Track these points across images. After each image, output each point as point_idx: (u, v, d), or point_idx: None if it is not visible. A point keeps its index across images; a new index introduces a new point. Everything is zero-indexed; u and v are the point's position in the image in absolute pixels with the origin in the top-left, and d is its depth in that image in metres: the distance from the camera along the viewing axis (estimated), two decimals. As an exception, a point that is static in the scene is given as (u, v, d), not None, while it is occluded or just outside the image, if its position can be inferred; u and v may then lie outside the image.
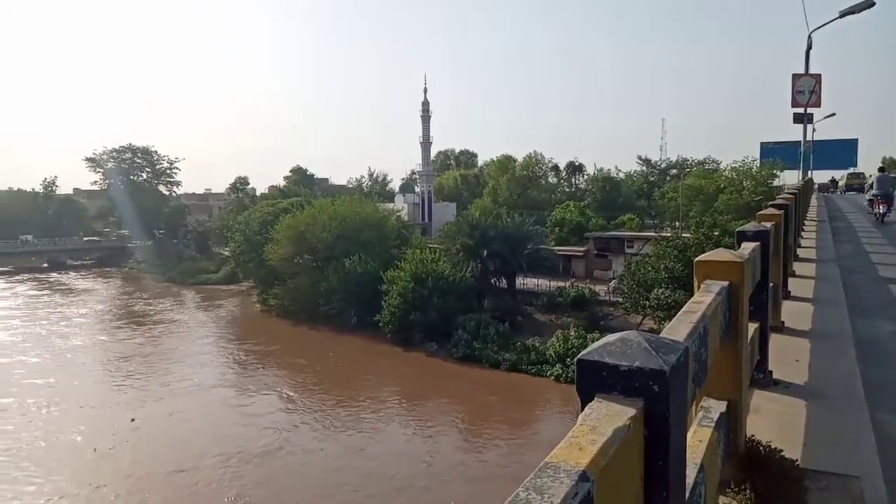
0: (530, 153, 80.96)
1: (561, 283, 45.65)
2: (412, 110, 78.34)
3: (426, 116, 76.36)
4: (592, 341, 22.97)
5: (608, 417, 1.47)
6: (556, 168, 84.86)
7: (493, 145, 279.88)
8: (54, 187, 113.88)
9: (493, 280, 46.40)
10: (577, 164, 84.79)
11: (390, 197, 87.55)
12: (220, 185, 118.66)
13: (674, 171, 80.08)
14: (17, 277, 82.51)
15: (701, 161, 78.29)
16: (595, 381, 1.61)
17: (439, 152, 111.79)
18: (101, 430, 27.70)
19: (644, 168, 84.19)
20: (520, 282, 47.25)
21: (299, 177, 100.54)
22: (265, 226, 58.58)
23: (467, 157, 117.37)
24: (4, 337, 46.64)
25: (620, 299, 40.19)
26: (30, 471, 23.87)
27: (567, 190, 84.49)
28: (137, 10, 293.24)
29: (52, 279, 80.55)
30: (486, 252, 45.02)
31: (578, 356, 1.66)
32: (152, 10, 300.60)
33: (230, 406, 31.50)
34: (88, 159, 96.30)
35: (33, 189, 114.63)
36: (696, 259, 3.40)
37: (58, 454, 25.38)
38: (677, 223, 57.66)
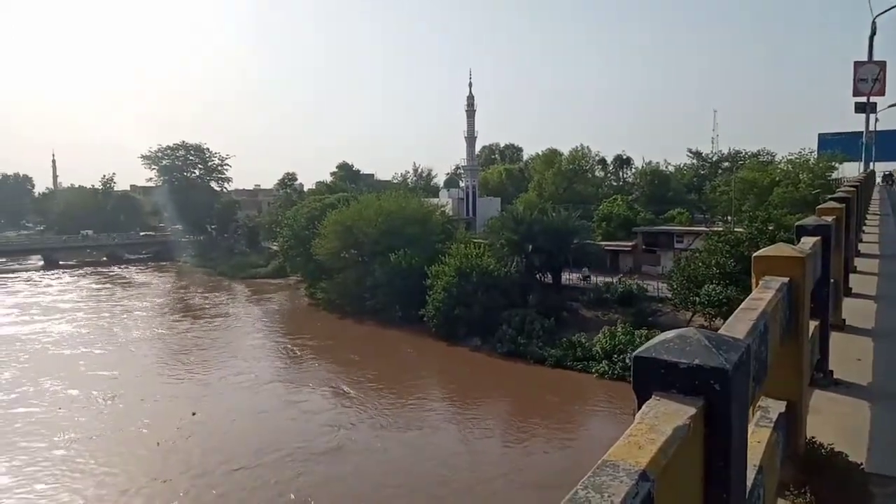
0: (576, 147, 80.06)
1: (608, 279, 44.99)
2: (457, 105, 78.28)
3: (471, 111, 76.19)
4: (640, 338, 22.92)
5: (667, 416, 1.44)
6: (602, 162, 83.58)
7: (538, 139, 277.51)
8: (112, 184, 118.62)
9: (538, 275, 46.04)
10: (624, 157, 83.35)
11: (435, 192, 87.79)
12: (269, 181, 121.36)
13: (726, 163, 77.91)
14: (80, 271, 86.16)
15: (755, 153, 75.95)
16: (652, 378, 1.57)
17: (484, 147, 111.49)
18: (163, 423, 28.09)
19: (694, 161, 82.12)
20: (565, 277, 46.76)
21: (345, 173, 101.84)
22: (312, 221, 59.54)
23: (512, 152, 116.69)
24: (71, 329, 48.54)
25: (669, 295, 39.36)
26: (100, 463, 24.33)
27: (614, 184, 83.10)
28: (186, 15, 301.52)
29: (112, 273, 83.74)
30: (531, 247, 44.68)
31: (635, 353, 1.63)
32: (200, 14, 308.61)
33: (288, 402, 31.48)
34: (144, 157, 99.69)
35: (93, 186, 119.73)
36: (755, 254, 3.30)
37: (124, 447, 25.91)
38: (729, 217, 56.08)
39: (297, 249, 62.19)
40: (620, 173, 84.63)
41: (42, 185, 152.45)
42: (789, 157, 51.22)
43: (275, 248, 75.65)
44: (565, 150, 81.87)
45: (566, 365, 35.77)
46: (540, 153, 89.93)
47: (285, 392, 33.15)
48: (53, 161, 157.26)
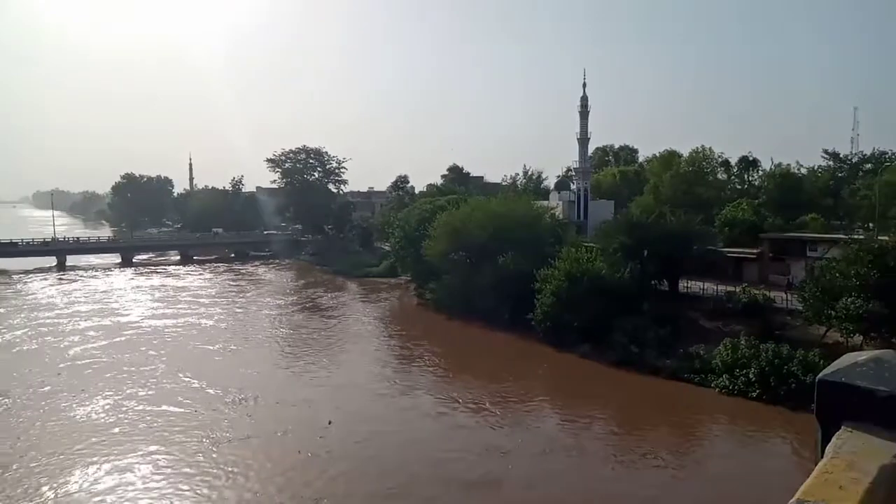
0: (697, 148, 76.18)
1: (730, 288, 42.35)
2: (570, 107, 76.63)
3: (584, 112, 74.47)
4: (766, 352, 21.26)
5: (868, 453, 1.23)
6: (726, 163, 78.95)
7: (655, 140, 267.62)
8: (240, 186, 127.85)
9: (653, 282, 44.21)
10: (750, 158, 78.20)
11: (545, 195, 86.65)
12: (382, 184, 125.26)
13: (868, 165, 71.23)
14: (211, 266, 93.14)
15: (903, 154, 68.95)
16: (842, 406, 1.37)
17: (597, 148, 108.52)
18: (302, 430, 27.51)
19: (831, 163, 75.69)
20: (683, 285, 44.57)
21: (455, 175, 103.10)
22: (423, 223, 60.66)
23: (627, 153, 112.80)
24: (209, 323, 51.89)
25: (801, 307, 36.44)
26: (243, 469, 23.62)
27: (739, 187, 78.24)
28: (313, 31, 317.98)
29: (241, 269, 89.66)
30: (646, 252, 42.99)
31: (819, 376, 1.43)
32: (325, 30, 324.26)
33: (426, 414, 30.13)
34: (269, 160, 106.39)
35: (224, 187, 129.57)
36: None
37: (265, 454, 25.15)
38: (871, 224, 51.18)
39: (408, 250, 63.71)
40: (746, 176, 79.50)
41: (180, 186, 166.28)
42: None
43: (386, 248, 77.95)
44: (685, 151, 78.27)
45: (682, 377, 34.12)
46: (657, 154, 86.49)
47: (421, 403, 31.93)
48: (190, 164, 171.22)
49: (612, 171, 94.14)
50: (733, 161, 78.96)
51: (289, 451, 25.40)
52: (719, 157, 77.70)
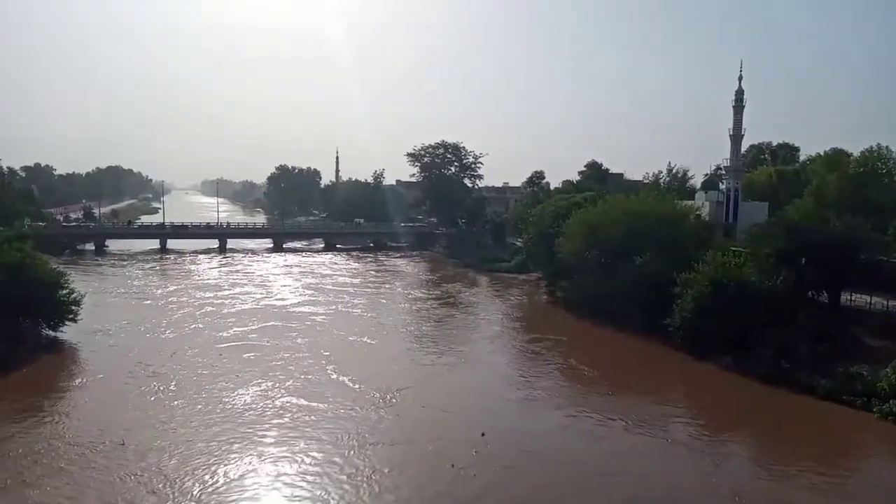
0: (870, 146, 67.89)
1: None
2: (722, 102, 71.39)
3: (739, 107, 68.91)
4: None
5: None
6: (905, 164, 69.70)
7: (819, 139, 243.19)
8: (381, 179, 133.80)
9: (810, 292, 40.16)
10: (937, 158, 68.39)
11: (690, 194, 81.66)
12: (518, 179, 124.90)
13: None
14: (354, 255, 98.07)
15: None
16: None
17: (751, 146, 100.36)
18: (453, 440, 26.10)
19: None
20: (846, 297, 40.10)
21: (593, 172, 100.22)
22: (557, 219, 59.56)
23: (786, 152, 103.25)
24: (355, 312, 54.20)
25: None
26: (405, 484, 22.28)
27: (921, 190, 68.78)
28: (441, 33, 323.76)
29: (381, 260, 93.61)
30: (804, 259, 39.13)
31: None
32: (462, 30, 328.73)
33: (590, 437, 27.70)
34: (409, 154, 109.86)
35: (366, 180, 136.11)
36: None
37: (420, 464, 24.04)
38: None
39: (541, 247, 62.92)
40: (931, 178, 69.68)
41: (327, 178, 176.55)
42: None
43: (519, 244, 77.59)
44: (855, 150, 70.15)
45: (840, 399, 30.79)
46: (821, 154, 78.37)
47: (576, 421, 29.56)
48: (337, 157, 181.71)
49: (767, 171, 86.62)
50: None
51: (442, 463, 23.74)
52: (897, 155, 68.77)
